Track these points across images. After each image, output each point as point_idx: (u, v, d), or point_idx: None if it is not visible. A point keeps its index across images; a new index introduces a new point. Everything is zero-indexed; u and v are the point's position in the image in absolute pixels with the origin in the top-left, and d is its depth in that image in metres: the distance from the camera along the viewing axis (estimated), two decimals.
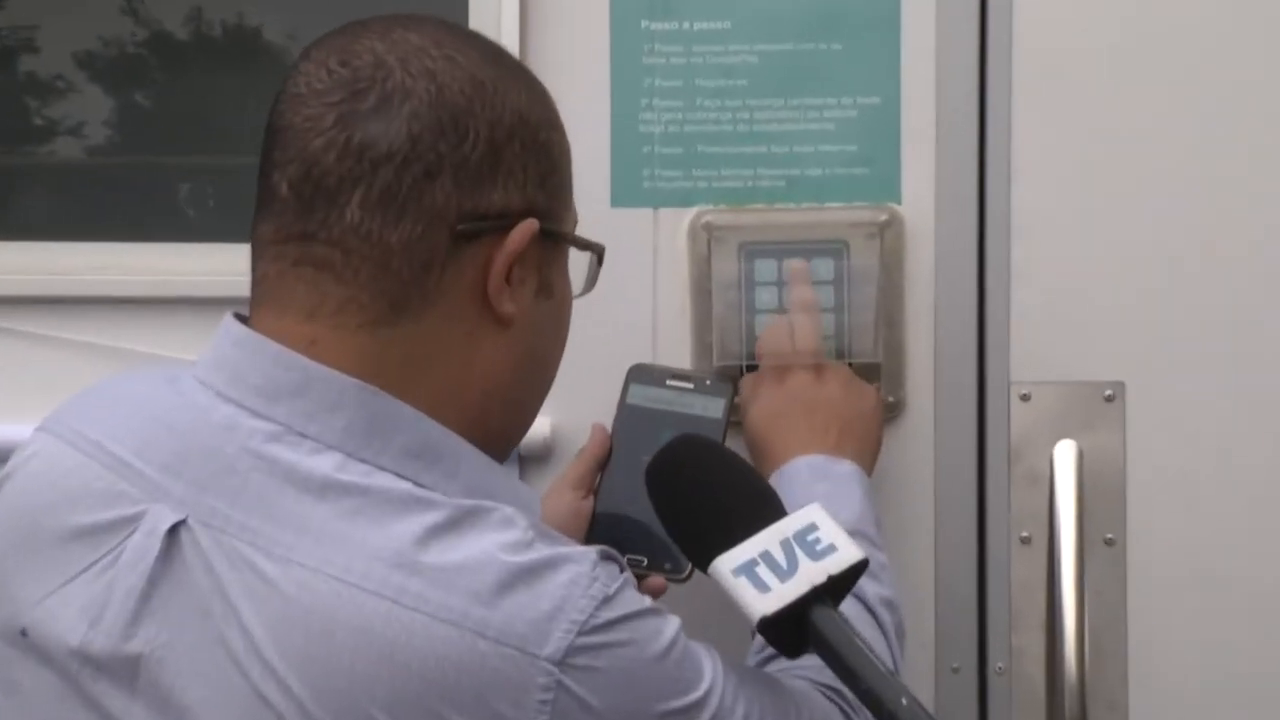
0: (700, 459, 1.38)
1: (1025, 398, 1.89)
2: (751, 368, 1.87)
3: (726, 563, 1.27)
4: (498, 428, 1.35)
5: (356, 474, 1.23)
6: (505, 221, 1.28)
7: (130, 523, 1.26)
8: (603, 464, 1.75)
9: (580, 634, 1.20)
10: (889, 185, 1.90)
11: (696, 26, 1.91)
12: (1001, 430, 1.90)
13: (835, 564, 1.27)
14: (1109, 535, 1.89)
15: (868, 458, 1.76)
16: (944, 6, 1.88)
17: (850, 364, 1.87)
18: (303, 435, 1.24)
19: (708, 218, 1.90)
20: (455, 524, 1.21)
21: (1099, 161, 1.89)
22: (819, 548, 1.27)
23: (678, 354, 1.90)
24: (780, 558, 1.27)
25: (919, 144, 1.89)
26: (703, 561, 1.30)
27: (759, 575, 1.26)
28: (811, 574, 1.26)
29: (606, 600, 1.21)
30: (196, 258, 1.97)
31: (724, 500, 1.32)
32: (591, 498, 1.74)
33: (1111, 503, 1.88)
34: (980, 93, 1.89)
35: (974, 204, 1.90)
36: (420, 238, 1.25)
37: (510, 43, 1.87)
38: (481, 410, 1.32)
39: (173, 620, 1.23)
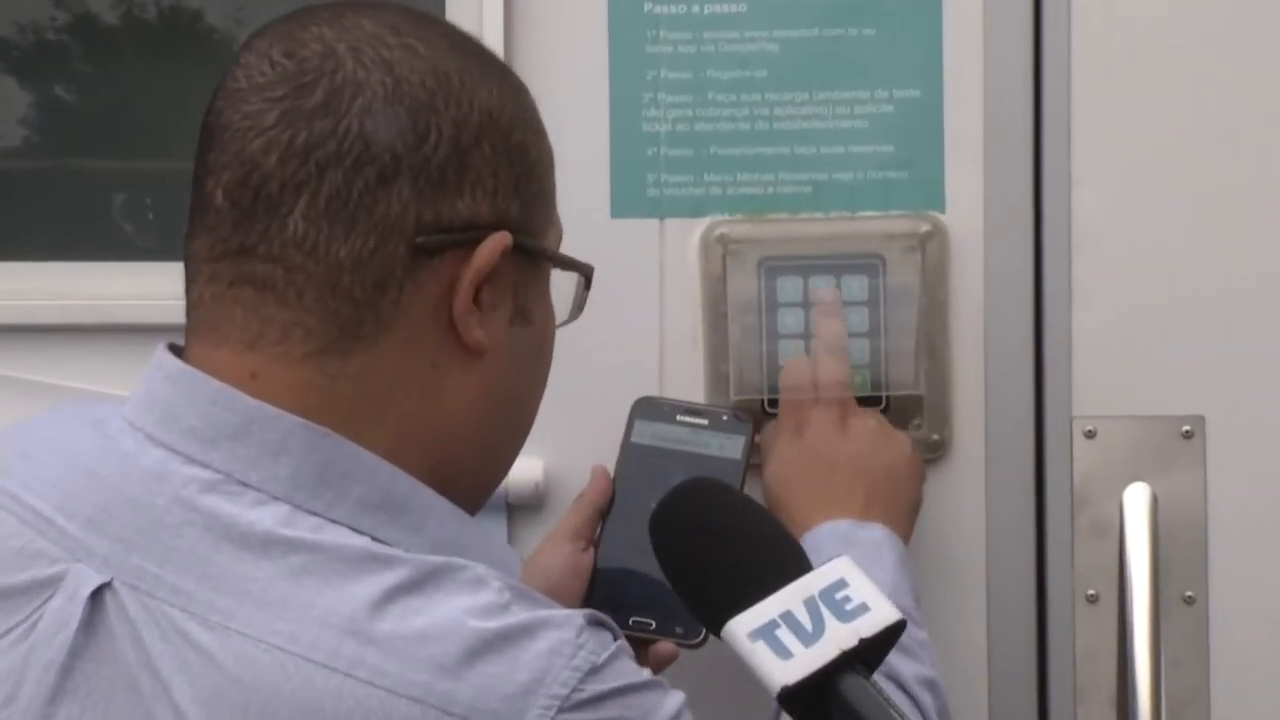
0: (711, 505, 1.38)
1: (1090, 435, 1.91)
2: (774, 402, 1.88)
3: (742, 625, 1.27)
4: (469, 475, 1.36)
5: (305, 528, 1.23)
6: (472, 234, 1.28)
7: (48, 585, 1.26)
8: (604, 512, 1.77)
9: (562, 710, 1.19)
10: (931, 191, 1.92)
11: (707, 9, 1.93)
12: (1063, 473, 1.92)
13: (868, 625, 1.27)
14: (1188, 592, 1.91)
15: (902, 520, 1.77)
16: None
17: (887, 397, 1.89)
18: (244, 484, 1.25)
19: (722, 230, 1.92)
20: (418, 585, 1.21)
21: (1171, 165, 1.91)
22: (849, 607, 1.27)
23: (688, 387, 1.92)
24: (804, 619, 1.27)
25: (965, 144, 1.91)
26: (715, 624, 1.30)
27: (780, 639, 1.26)
28: (840, 637, 1.26)
29: (594, 671, 1.21)
30: (133, 279, 1.99)
31: (739, 553, 1.32)
32: (592, 550, 1.76)
33: (1191, 555, 1.90)
34: (1035, 85, 1.92)
35: (1029, 213, 1.92)
36: (374, 252, 1.26)
37: (493, 31, 1.90)
38: (449, 455, 1.32)
39: (97, 698, 1.23)
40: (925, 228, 1.90)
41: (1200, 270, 1.90)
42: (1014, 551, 1.92)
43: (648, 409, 1.81)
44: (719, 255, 1.91)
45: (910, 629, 1.58)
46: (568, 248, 1.87)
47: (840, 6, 1.91)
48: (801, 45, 1.92)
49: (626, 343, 1.92)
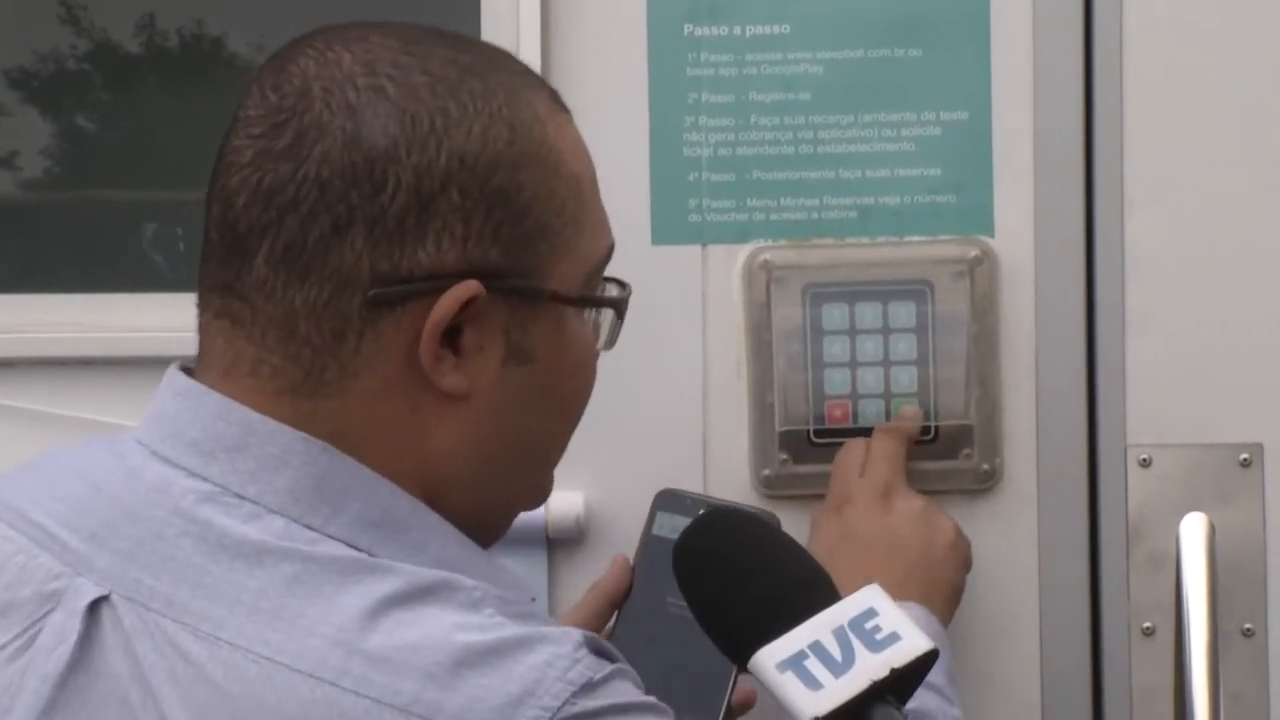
0: (738, 535, 1.38)
1: (1145, 464, 1.91)
2: (819, 431, 1.89)
3: (770, 656, 1.27)
4: (471, 514, 1.35)
5: (300, 541, 1.24)
6: (436, 284, 1.27)
7: (49, 599, 1.28)
8: (618, 604, 1.74)
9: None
10: (980, 216, 1.93)
11: (749, 31, 1.94)
12: (1118, 503, 1.92)
13: (899, 655, 1.27)
14: (1247, 625, 1.91)
15: (938, 603, 1.77)
16: (1042, 4, 1.91)
17: (936, 427, 1.89)
18: (241, 497, 1.26)
19: (766, 256, 1.92)
20: (412, 597, 1.22)
21: (1226, 187, 1.91)
22: (879, 636, 1.28)
23: (732, 418, 1.93)
24: (834, 649, 1.27)
25: (1015, 167, 1.92)
26: (743, 656, 1.30)
27: (809, 670, 1.26)
28: (871, 667, 1.26)
29: (589, 686, 1.21)
30: (157, 311, 1.99)
31: (766, 583, 1.32)
32: None
33: (1249, 586, 1.90)
34: (1086, 106, 1.92)
35: (1080, 237, 1.93)
36: (328, 302, 1.26)
37: (530, 52, 1.91)
38: (440, 497, 1.32)
39: (90, 712, 1.24)
40: (974, 253, 1.91)
41: (1257, 294, 1.91)
42: (1068, 584, 1.92)
43: (670, 501, 1.77)
44: (763, 282, 1.92)
45: (944, 709, 1.59)
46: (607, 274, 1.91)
47: (886, 27, 1.92)
48: (846, 67, 1.93)
49: (669, 373, 1.93)
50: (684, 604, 1.68)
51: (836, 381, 1.91)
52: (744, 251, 1.93)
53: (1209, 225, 1.92)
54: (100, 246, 2.13)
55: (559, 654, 1.21)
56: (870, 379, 1.91)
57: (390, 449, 1.29)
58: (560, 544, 1.92)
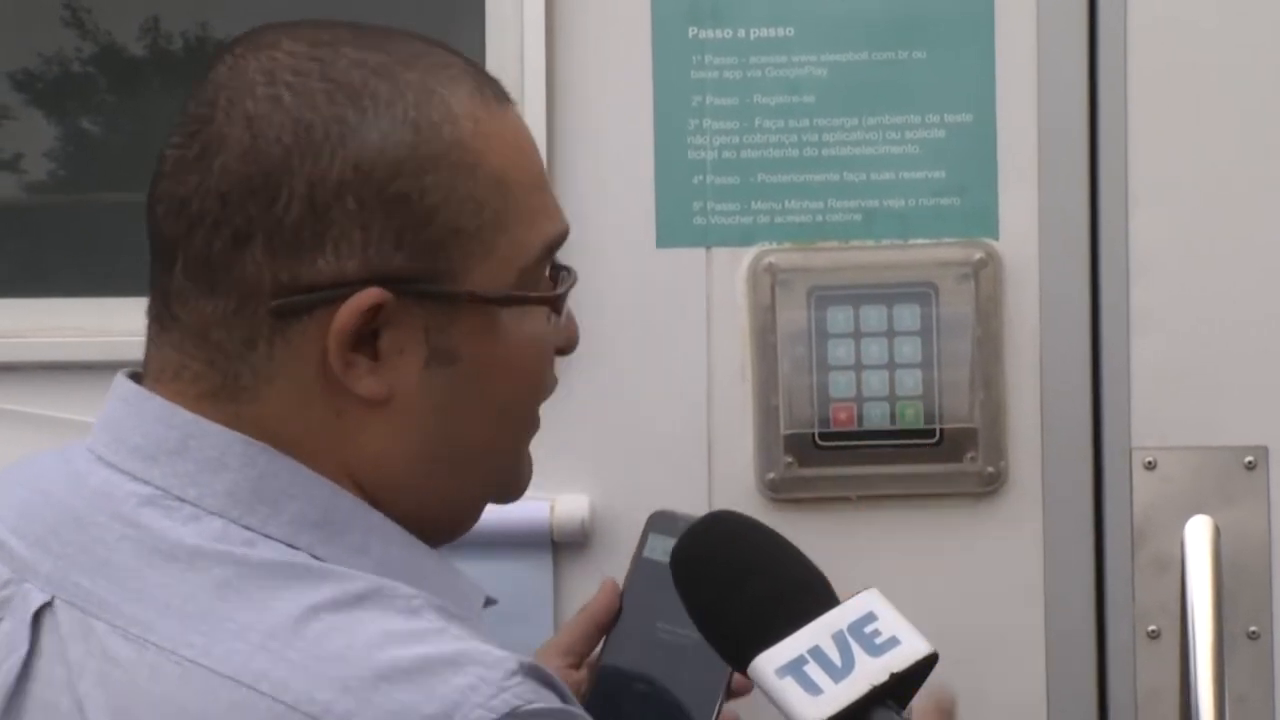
0: (736, 540, 1.37)
1: (1150, 466, 1.92)
2: (824, 435, 1.89)
3: (769, 661, 1.27)
4: (415, 520, 1.33)
5: (236, 542, 1.24)
6: (338, 293, 1.26)
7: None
8: (606, 628, 1.74)
9: None
10: (984, 218, 1.93)
11: (753, 34, 1.94)
12: (1123, 506, 1.92)
13: (898, 660, 1.27)
14: (1252, 628, 1.91)
15: None
16: (1046, 7, 1.92)
17: (941, 430, 1.89)
18: (181, 500, 1.26)
19: (771, 258, 1.93)
20: (346, 604, 1.21)
21: (1230, 188, 1.92)
22: (879, 641, 1.28)
23: (737, 421, 1.93)
24: (833, 654, 1.27)
25: (1019, 169, 1.92)
26: (741, 661, 1.30)
27: (808, 675, 1.26)
28: (871, 672, 1.26)
29: (512, 715, 1.17)
30: None
31: (765, 588, 1.32)
32: (585, 670, 1.73)
33: (1255, 589, 1.91)
34: (1090, 108, 1.93)
35: (1084, 239, 1.93)
36: (236, 311, 1.26)
37: (534, 56, 1.92)
38: (379, 501, 1.31)
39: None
40: (979, 255, 1.91)
41: (1262, 296, 1.92)
42: (1072, 587, 1.93)
43: (663, 523, 1.75)
44: (768, 285, 1.92)
45: None
46: (611, 279, 1.91)
47: (890, 29, 1.93)
48: (851, 69, 1.93)
49: (673, 375, 1.93)
50: (673, 628, 1.69)
51: (841, 384, 1.92)
52: (749, 254, 1.94)
53: (1214, 226, 1.92)
54: (103, 250, 2.13)
55: (486, 678, 1.18)
56: (875, 382, 1.92)
57: (321, 453, 1.28)
58: (565, 547, 1.92)
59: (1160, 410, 1.92)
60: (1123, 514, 1.92)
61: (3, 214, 2.20)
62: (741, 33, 1.94)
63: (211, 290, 1.26)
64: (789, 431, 1.91)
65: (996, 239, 1.92)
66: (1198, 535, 1.90)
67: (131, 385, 1.32)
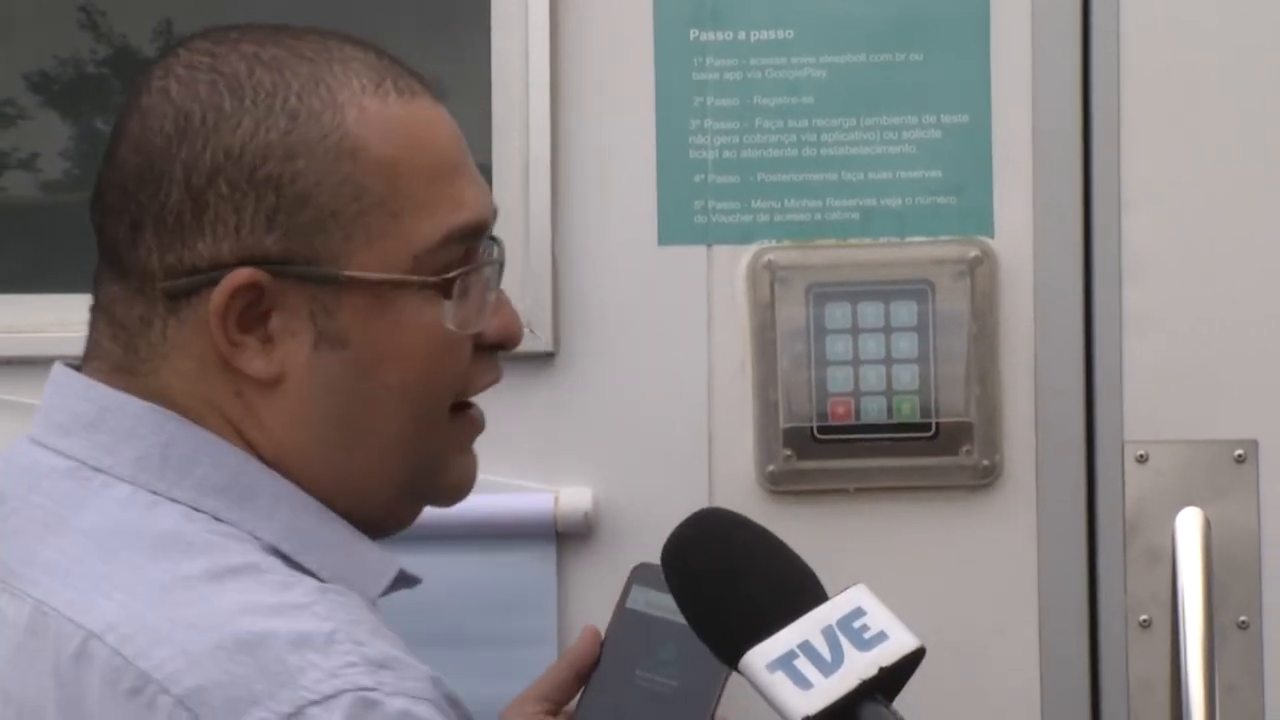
0: (726, 536, 1.38)
1: (1142, 460, 1.94)
2: (823, 428, 1.93)
3: (761, 656, 1.28)
4: (330, 503, 1.36)
5: (139, 507, 1.28)
6: (218, 274, 1.29)
7: None
8: (586, 676, 1.76)
9: None
10: (980, 217, 1.96)
11: (754, 36, 1.97)
12: (1115, 498, 1.95)
13: (887, 654, 1.28)
14: (1242, 618, 1.94)
15: None
16: (1041, 9, 1.95)
17: (937, 424, 1.92)
18: (96, 469, 1.31)
19: (770, 256, 1.96)
20: (219, 575, 1.24)
21: (1222, 188, 1.94)
22: (867, 635, 1.29)
23: (737, 415, 1.96)
24: (823, 648, 1.28)
25: (1014, 169, 1.95)
26: (733, 656, 1.31)
27: (799, 669, 1.27)
28: (860, 666, 1.27)
29: (334, 698, 1.17)
30: None
31: (755, 584, 1.33)
32: (562, 718, 1.75)
33: (1245, 581, 1.93)
34: (1084, 109, 1.96)
35: (1078, 238, 1.96)
36: (134, 294, 1.32)
37: (538, 59, 1.95)
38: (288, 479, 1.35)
39: None
40: (974, 253, 1.94)
41: (1253, 293, 1.94)
42: (1066, 578, 1.95)
43: (647, 575, 1.78)
44: (767, 282, 1.95)
45: None
46: (614, 276, 1.95)
47: (888, 32, 1.95)
48: (849, 71, 1.96)
49: (675, 370, 1.96)
50: (652, 676, 1.71)
51: (839, 379, 1.94)
52: (749, 252, 1.96)
53: (1205, 225, 1.94)
54: None
55: (323, 663, 1.19)
56: (872, 377, 1.94)
57: (226, 430, 1.32)
58: (569, 539, 1.95)
59: (1152, 404, 1.94)
60: (1115, 506, 1.95)
61: (18, 212, 2.21)
62: (742, 35, 1.97)
63: (120, 274, 1.32)
64: (788, 425, 1.94)
65: (992, 237, 1.95)
66: (1188, 527, 1.92)
67: (60, 368, 1.37)
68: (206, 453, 1.31)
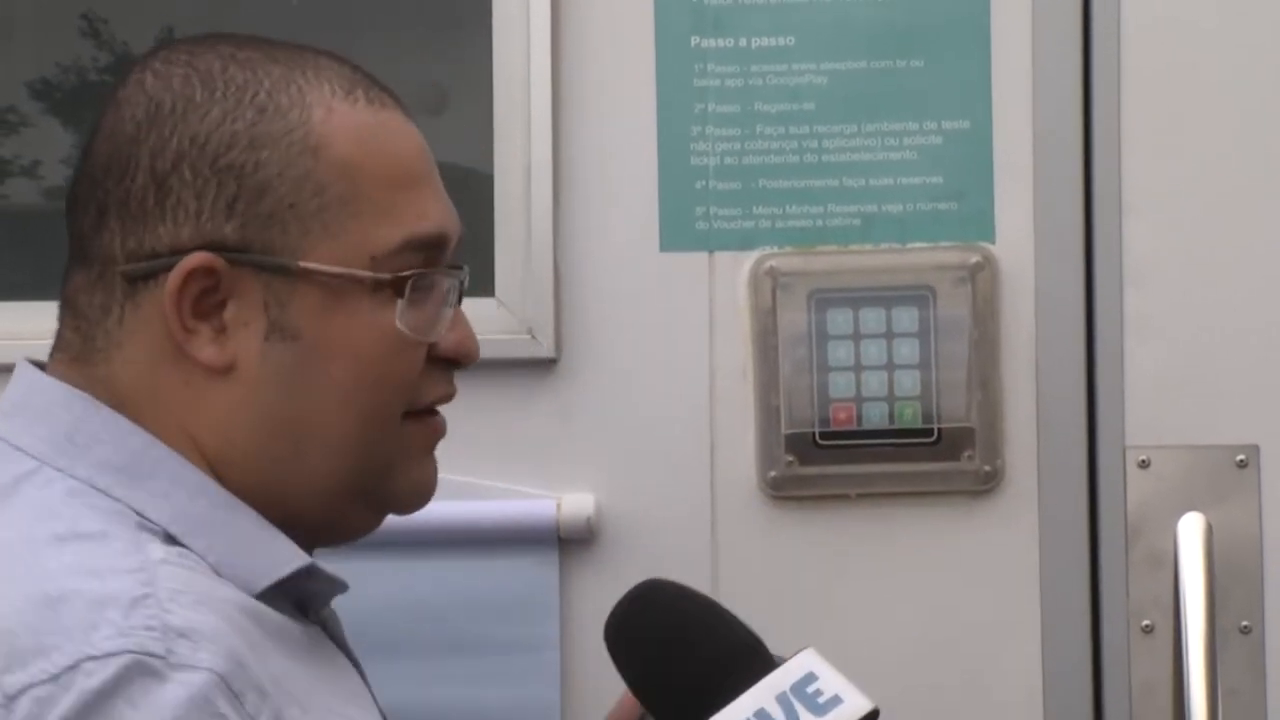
0: (669, 606, 1.39)
1: (1144, 465, 1.95)
2: (825, 434, 1.93)
3: None
4: (262, 500, 1.35)
5: (35, 484, 1.30)
6: (173, 260, 1.30)
7: None
8: None
9: (34, 686, 1.16)
10: (981, 223, 1.96)
11: (755, 43, 1.98)
12: (1117, 503, 1.95)
13: (842, 717, 1.28)
14: (1244, 623, 1.94)
15: None
16: (1041, 15, 1.95)
17: (939, 429, 1.93)
18: (17, 448, 1.33)
19: (772, 262, 1.96)
20: (65, 538, 1.25)
21: (1223, 193, 1.95)
22: (821, 700, 1.29)
23: (739, 421, 1.96)
24: (779, 716, 1.28)
25: (1015, 174, 1.96)
26: None
27: None
28: None
29: (109, 657, 1.16)
30: None
31: (701, 655, 1.33)
32: None
33: (1247, 585, 1.94)
34: (1085, 114, 1.96)
35: (1080, 243, 1.96)
36: (98, 278, 1.33)
37: (540, 64, 1.95)
38: (223, 478, 1.34)
39: None
40: (975, 259, 1.95)
41: (1254, 298, 1.94)
42: (1068, 583, 1.95)
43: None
44: (769, 288, 1.95)
45: None
46: (616, 282, 1.95)
47: (888, 38, 1.96)
48: (850, 77, 1.96)
49: (677, 376, 1.96)
50: None
51: (841, 385, 1.95)
52: (750, 258, 1.97)
53: (1206, 230, 1.95)
54: None
55: (119, 622, 1.18)
56: (874, 382, 1.95)
57: (166, 418, 1.33)
58: (572, 545, 1.95)
59: (1153, 410, 1.95)
60: (1117, 511, 1.95)
61: (21, 219, 2.22)
62: (743, 42, 1.97)
63: (83, 263, 1.33)
64: (790, 431, 1.94)
65: (993, 243, 1.95)
66: (1190, 532, 1.92)
67: (21, 362, 1.38)
68: (110, 434, 1.32)
